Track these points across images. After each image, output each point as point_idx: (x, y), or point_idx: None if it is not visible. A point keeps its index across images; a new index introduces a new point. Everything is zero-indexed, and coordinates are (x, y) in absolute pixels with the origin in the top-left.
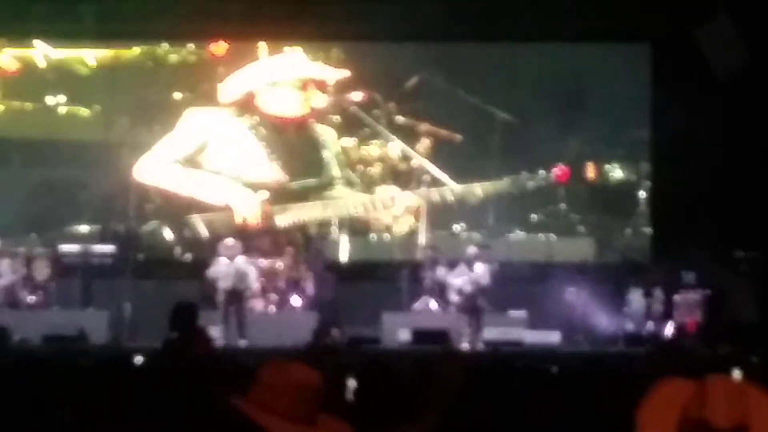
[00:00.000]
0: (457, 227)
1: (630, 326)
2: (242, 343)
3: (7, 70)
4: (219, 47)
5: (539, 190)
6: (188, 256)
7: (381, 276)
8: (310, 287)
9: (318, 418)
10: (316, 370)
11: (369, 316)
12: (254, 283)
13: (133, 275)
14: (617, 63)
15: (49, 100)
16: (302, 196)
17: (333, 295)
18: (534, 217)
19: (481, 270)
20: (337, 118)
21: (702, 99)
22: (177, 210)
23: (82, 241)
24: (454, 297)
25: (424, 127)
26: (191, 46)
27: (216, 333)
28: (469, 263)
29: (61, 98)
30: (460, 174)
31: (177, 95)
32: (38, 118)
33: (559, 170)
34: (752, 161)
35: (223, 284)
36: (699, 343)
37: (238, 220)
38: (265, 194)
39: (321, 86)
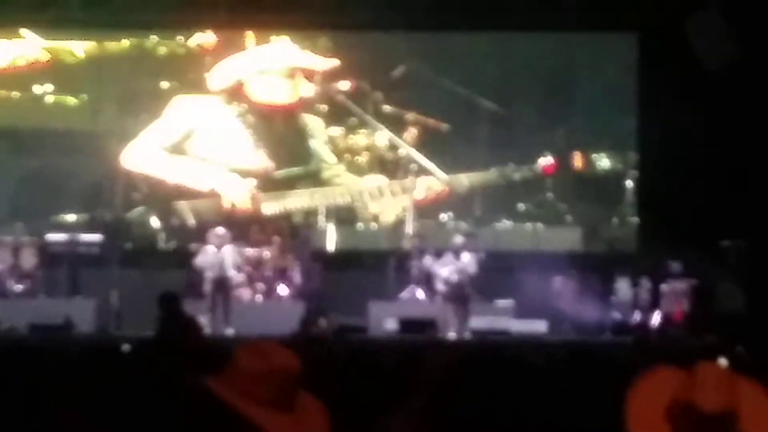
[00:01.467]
0: (444, 216)
1: (617, 315)
2: (229, 331)
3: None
4: (206, 37)
5: (527, 181)
6: (175, 245)
7: (368, 265)
8: (296, 276)
9: (296, 402)
10: (294, 355)
11: (356, 305)
12: (240, 272)
13: (120, 264)
14: (605, 53)
15: (37, 89)
16: (289, 184)
17: (320, 284)
18: (521, 206)
19: (467, 259)
20: (324, 107)
21: (689, 89)
22: (164, 198)
23: (69, 230)
24: (440, 286)
25: (411, 116)
26: (179, 35)
27: (203, 322)
28: (456, 252)
29: (49, 87)
30: (447, 163)
31: (164, 84)
32: (25, 107)
33: (546, 162)
34: (739, 151)
35: (210, 273)
36: (685, 333)
37: (226, 206)
38: (253, 181)
39: (309, 75)
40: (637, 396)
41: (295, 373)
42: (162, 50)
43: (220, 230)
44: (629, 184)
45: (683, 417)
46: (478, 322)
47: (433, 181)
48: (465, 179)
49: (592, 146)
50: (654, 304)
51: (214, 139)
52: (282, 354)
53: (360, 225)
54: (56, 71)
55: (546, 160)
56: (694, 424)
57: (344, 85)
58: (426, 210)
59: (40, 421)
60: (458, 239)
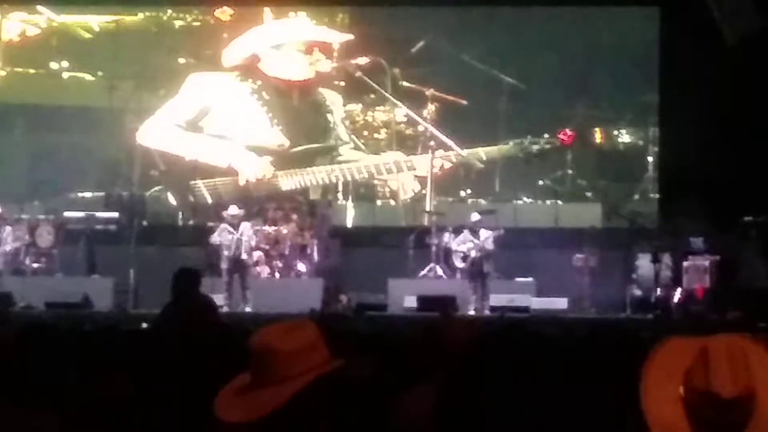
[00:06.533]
0: (463, 193)
1: (638, 292)
2: (247, 309)
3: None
4: (223, 13)
5: (545, 154)
6: (192, 222)
7: (387, 242)
8: (315, 254)
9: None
10: (291, 331)
11: (375, 282)
12: (256, 251)
13: (137, 242)
14: (626, 27)
15: (53, 65)
16: (307, 160)
17: (338, 261)
18: (541, 182)
19: (486, 236)
20: (342, 83)
21: (711, 63)
22: (181, 175)
23: (86, 207)
24: (459, 263)
25: (429, 92)
26: (195, 10)
27: (220, 300)
28: (474, 229)
29: (65, 64)
30: (466, 139)
31: (181, 60)
32: (42, 84)
33: (563, 134)
34: (761, 126)
35: (226, 252)
36: (707, 309)
37: (242, 182)
38: (270, 158)
39: (326, 50)
40: (651, 369)
41: (267, 351)
42: (179, 26)
43: (235, 208)
44: (650, 159)
45: (699, 401)
46: (498, 299)
47: (447, 156)
48: (482, 153)
49: (613, 121)
50: (675, 280)
51: (231, 116)
52: (266, 332)
53: (379, 202)
54: (73, 48)
55: (563, 133)
56: (711, 406)
57: (362, 60)
58: (445, 186)
59: (57, 398)
60: (475, 216)
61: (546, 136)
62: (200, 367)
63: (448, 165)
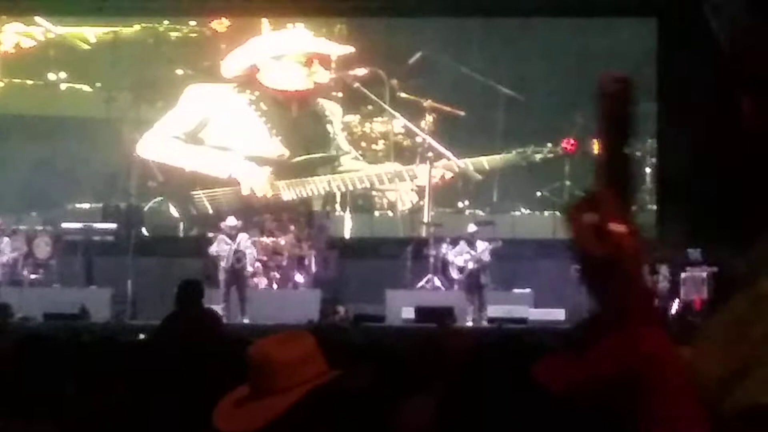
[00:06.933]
0: (461, 204)
1: None
2: (244, 320)
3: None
4: (220, 24)
5: (546, 164)
6: (190, 234)
7: (385, 253)
8: (313, 264)
9: (270, 388)
10: (286, 341)
11: (373, 293)
12: (254, 262)
13: (135, 253)
14: (623, 38)
15: (51, 76)
16: (305, 171)
17: (336, 272)
18: (539, 194)
19: (482, 247)
20: (340, 95)
21: (708, 74)
22: (180, 186)
23: (84, 218)
24: (456, 274)
25: (427, 103)
26: (192, 22)
27: (217, 311)
28: (470, 240)
29: (63, 75)
30: (464, 150)
31: (179, 71)
32: (39, 95)
33: (567, 143)
34: (758, 137)
35: (224, 263)
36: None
37: (244, 192)
38: (269, 169)
39: (324, 61)
40: None
41: (264, 361)
42: (176, 37)
43: (233, 219)
44: (648, 170)
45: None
46: (496, 310)
47: (448, 165)
48: (485, 162)
49: None
50: (673, 291)
51: (230, 127)
52: (263, 343)
53: (376, 213)
54: (70, 59)
55: (567, 142)
56: None
57: (360, 71)
58: (443, 198)
59: (55, 409)
60: (473, 227)
61: (549, 145)
62: (200, 378)
63: (449, 175)
